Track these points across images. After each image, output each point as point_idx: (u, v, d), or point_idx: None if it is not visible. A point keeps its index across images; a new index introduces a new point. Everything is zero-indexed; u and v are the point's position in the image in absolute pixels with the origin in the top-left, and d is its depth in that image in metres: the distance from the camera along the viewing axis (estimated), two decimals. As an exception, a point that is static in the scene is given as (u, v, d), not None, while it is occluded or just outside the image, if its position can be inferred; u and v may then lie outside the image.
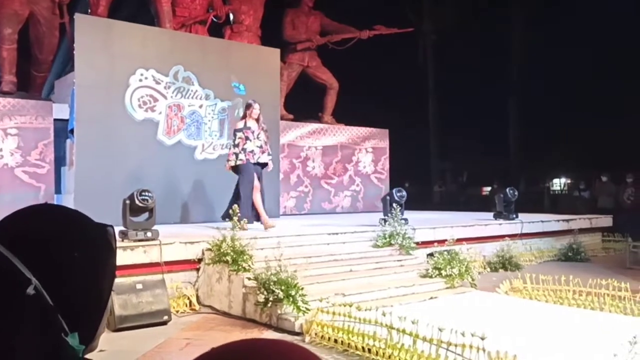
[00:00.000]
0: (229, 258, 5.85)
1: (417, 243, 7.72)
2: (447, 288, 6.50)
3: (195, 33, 11.28)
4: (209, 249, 6.10)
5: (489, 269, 8.16)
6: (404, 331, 4.21)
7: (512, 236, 9.20)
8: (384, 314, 4.47)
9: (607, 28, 17.52)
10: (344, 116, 13.82)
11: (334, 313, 4.82)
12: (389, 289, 6.11)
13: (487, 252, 8.69)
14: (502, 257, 8.39)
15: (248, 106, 8.00)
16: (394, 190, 8.55)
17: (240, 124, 7.89)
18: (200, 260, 6.20)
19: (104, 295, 0.93)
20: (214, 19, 12.02)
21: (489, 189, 19.35)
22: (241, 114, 10.17)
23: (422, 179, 21.94)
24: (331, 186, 13.03)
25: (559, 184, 22.64)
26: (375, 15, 14.83)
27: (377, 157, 13.93)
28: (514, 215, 9.92)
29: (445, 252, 6.75)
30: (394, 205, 7.81)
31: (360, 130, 13.74)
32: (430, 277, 6.62)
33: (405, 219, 7.95)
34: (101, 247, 0.95)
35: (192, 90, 9.60)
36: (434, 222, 9.26)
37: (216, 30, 12.28)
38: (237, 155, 7.65)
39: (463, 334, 3.96)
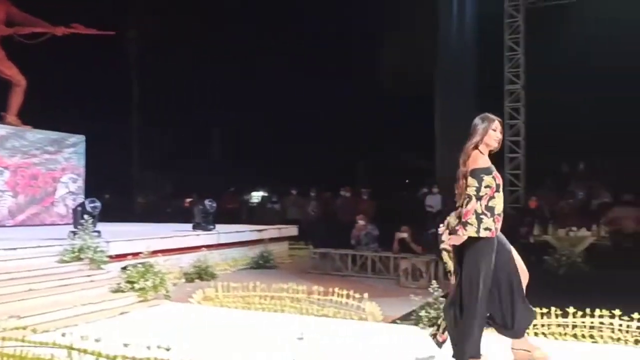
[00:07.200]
0: None
1: (112, 256, 7.39)
2: (140, 302, 6.38)
3: None
4: None
5: (184, 280, 8.23)
6: (85, 351, 3.97)
7: (210, 246, 9.49)
8: (63, 335, 4.16)
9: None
10: (33, 118, 12.44)
11: (3, 338, 4.28)
12: (75, 307, 5.71)
13: (184, 263, 8.76)
14: (198, 267, 8.54)
15: (486, 123, 3.82)
16: (86, 201, 8.04)
17: (484, 161, 3.78)
18: None
19: None
20: None
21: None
22: None
23: (125, 189, 21.10)
24: (16, 197, 11.57)
25: (256, 196, 24.28)
26: (77, 14, 13.71)
27: (72, 166, 12.89)
28: (212, 226, 10.27)
29: (140, 265, 6.61)
30: (86, 216, 7.33)
31: (52, 134, 12.55)
32: (123, 291, 6.43)
33: (98, 231, 7.56)
34: None
35: None
36: (133, 234, 8.96)
37: None
38: (480, 218, 3.68)
39: (149, 348, 3.91)
